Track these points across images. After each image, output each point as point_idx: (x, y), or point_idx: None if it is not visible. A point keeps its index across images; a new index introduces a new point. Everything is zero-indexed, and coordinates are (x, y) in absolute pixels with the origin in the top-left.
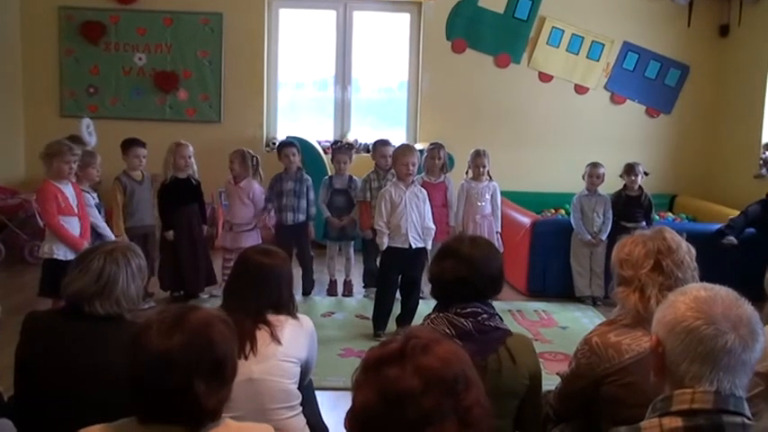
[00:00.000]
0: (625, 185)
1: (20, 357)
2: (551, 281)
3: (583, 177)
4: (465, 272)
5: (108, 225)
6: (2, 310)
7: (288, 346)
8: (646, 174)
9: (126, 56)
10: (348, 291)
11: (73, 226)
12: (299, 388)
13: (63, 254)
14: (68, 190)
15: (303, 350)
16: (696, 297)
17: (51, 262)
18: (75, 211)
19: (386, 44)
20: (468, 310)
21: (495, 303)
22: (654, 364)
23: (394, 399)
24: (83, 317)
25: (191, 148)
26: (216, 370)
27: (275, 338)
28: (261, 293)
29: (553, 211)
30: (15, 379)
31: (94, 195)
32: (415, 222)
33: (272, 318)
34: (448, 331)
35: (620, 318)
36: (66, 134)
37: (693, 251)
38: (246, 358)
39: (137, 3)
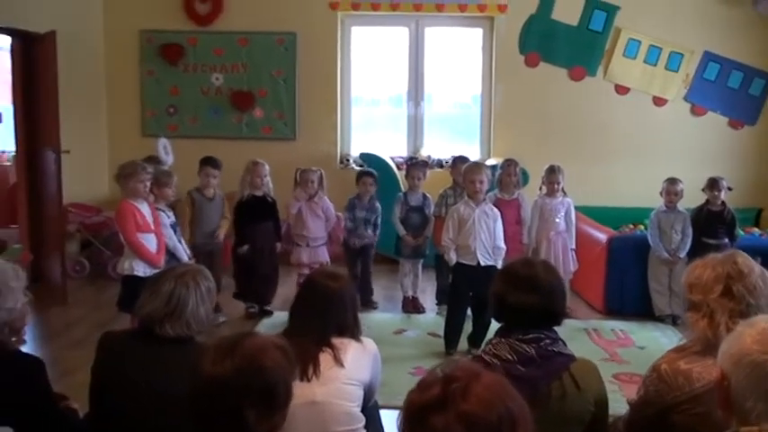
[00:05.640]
0: (707, 200)
1: (94, 377)
2: (629, 299)
3: (660, 194)
4: (539, 301)
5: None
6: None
7: (351, 368)
8: (729, 189)
9: (204, 76)
10: (416, 307)
11: (150, 243)
12: (362, 410)
13: (142, 270)
14: (144, 208)
15: (366, 373)
16: (764, 329)
17: (131, 278)
18: (152, 227)
19: (458, 59)
20: (531, 335)
21: (570, 321)
22: (719, 397)
23: None
24: (154, 339)
25: (267, 167)
26: (267, 396)
27: (338, 361)
28: (326, 317)
29: (632, 226)
30: (90, 398)
31: (170, 214)
32: (484, 241)
33: (335, 341)
34: (510, 357)
35: (689, 344)
36: (147, 153)
37: None
38: (309, 380)
39: (214, 25)
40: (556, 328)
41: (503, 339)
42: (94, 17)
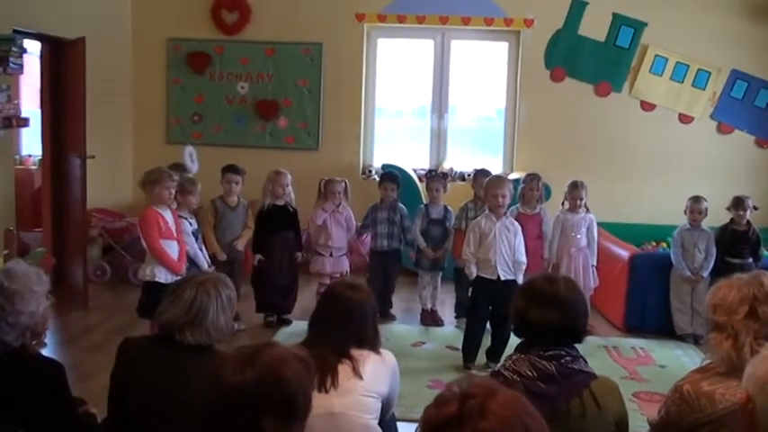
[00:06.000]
0: (732, 219)
1: (113, 382)
2: (650, 317)
3: (684, 212)
4: (560, 318)
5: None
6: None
7: (369, 380)
8: (755, 208)
9: (229, 85)
10: (435, 320)
11: (173, 249)
12: (379, 422)
13: (164, 276)
14: (168, 215)
15: (384, 385)
16: None
17: (152, 284)
18: (175, 235)
19: (483, 72)
20: (551, 352)
21: (589, 338)
22: (743, 420)
23: None
24: (174, 345)
25: (289, 177)
26: (286, 407)
27: (357, 373)
28: (346, 328)
29: (654, 243)
30: (109, 403)
31: (192, 222)
32: (504, 255)
33: (354, 352)
34: (530, 373)
35: (712, 365)
36: (171, 160)
37: None
38: (327, 392)
39: (241, 34)
40: (577, 345)
41: (523, 355)
42: (123, 24)
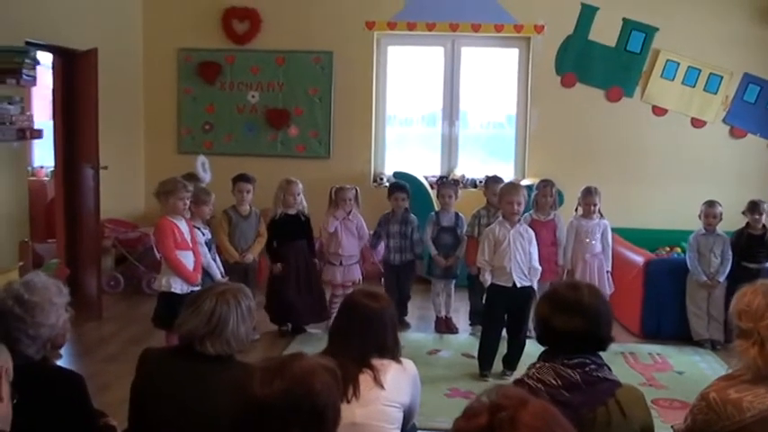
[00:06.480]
0: (747, 224)
1: (134, 393)
2: (667, 322)
3: (699, 216)
4: (584, 325)
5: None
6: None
7: (391, 390)
8: None
9: (240, 94)
10: (450, 327)
11: (188, 260)
12: None
13: (180, 287)
14: (183, 225)
15: (406, 395)
16: None
17: (167, 294)
18: (190, 245)
19: (494, 79)
20: (576, 360)
21: None
22: None
23: None
24: (194, 356)
25: (300, 186)
26: (316, 420)
27: (378, 383)
28: (366, 337)
29: (668, 249)
30: (129, 414)
31: (206, 232)
32: (519, 262)
33: (375, 362)
34: (554, 382)
35: (739, 372)
36: (182, 170)
37: None
38: (349, 402)
39: (251, 43)
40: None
41: (547, 363)
42: (134, 35)
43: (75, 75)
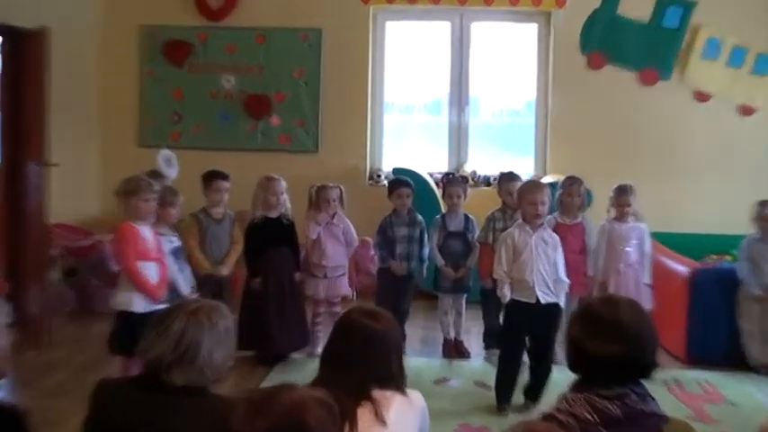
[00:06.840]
0: None
1: None
2: (716, 344)
3: (752, 219)
4: (624, 349)
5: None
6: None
7: (395, 427)
8: None
9: (213, 77)
10: (460, 351)
11: (151, 272)
12: None
13: (141, 306)
14: (147, 231)
15: None
16: None
17: (125, 314)
18: (155, 255)
19: (509, 59)
20: (615, 391)
21: None
22: None
23: None
24: (160, 388)
25: (283, 184)
26: None
27: (380, 419)
28: (365, 364)
29: (716, 257)
30: None
31: (174, 239)
32: (543, 273)
33: (376, 393)
34: (590, 417)
35: None
36: (145, 167)
37: None
38: None
39: (227, 20)
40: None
41: (580, 395)
42: (89, 10)
43: (22, 58)
